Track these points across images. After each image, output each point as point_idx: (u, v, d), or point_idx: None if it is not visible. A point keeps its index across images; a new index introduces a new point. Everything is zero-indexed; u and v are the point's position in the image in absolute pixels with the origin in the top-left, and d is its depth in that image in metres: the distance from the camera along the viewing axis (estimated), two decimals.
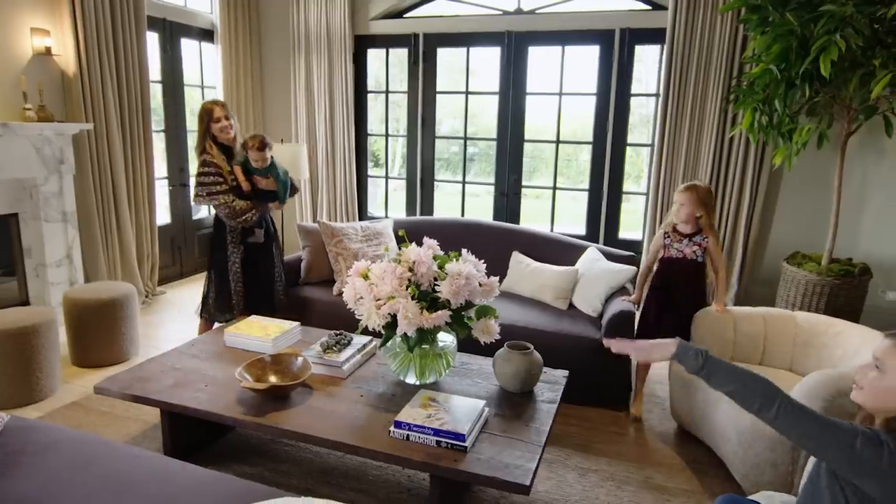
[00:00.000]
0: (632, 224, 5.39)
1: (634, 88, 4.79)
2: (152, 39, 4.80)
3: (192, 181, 3.17)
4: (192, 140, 5.37)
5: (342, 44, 5.27)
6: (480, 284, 2.33)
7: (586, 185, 5.04)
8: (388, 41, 5.37)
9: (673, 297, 2.93)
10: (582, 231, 5.09)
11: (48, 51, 3.91)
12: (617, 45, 4.65)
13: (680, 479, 2.51)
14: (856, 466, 1.17)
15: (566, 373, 2.59)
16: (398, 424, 2.01)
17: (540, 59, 4.98)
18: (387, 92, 5.58)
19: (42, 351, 2.99)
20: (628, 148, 4.90)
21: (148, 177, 4.62)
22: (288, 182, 3.26)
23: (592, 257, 3.53)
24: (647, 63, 4.94)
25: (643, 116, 5.12)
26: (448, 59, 5.34)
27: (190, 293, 4.92)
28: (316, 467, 2.50)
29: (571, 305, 3.46)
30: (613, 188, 4.93)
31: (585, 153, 5.06)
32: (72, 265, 3.99)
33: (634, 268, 3.39)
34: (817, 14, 3.05)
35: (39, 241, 3.82)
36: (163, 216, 5.09)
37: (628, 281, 3.41)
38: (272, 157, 3.17)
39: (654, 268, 3.07)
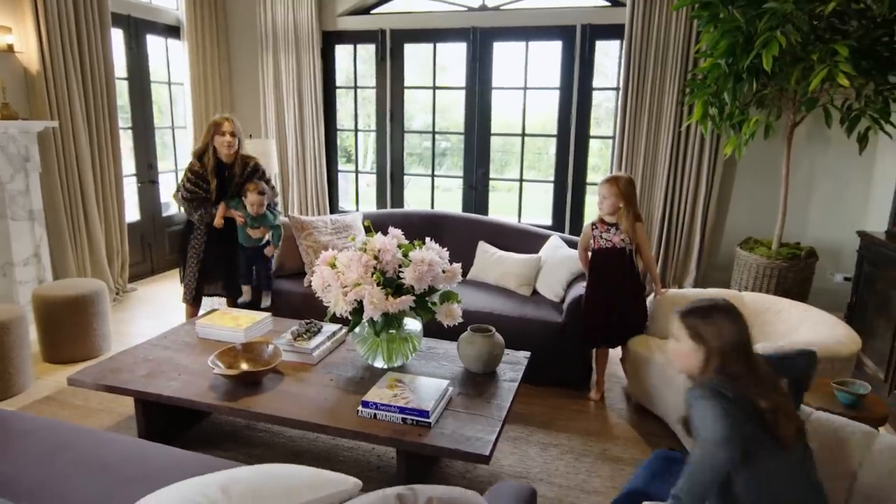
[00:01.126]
0: (593, 215, 5.56)
1: (598, 83, 4.94)
2: (117, 36, 4.78)
3: (181, 177, 3.35)
4: (160, 136, 5.37)
5: (310, 40, 5.31)
6: (444, 271, 2.44)
7: (552, 177, 5.19)
8: (355, 37, 5.43)
9: (610, 285, 2.99)
10: (549, 221, 5.24)
11: (10, 48, 3.88)
12: (578, 40, 4.80)
13: (635, 451, 2.66)
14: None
15: (528, 354, 2.73)
16: (365, 404, 2.12)
17: (505, 55, 5.11)
18: (355, 87, 5.65)
19: (13, 348, 3.01)
20: (597, 141, 5.06)
21: (116, 174, 4.61)
22: (280, 226, 3.40)
23: (555, 245, 3.67)
24: (611, 57, 5.10)
25: (608, 110, 5.28)
26: (415, 55, 5.43)
27: (162, 289, 4.93)
28: (289, 451, 2.59)
29: (535, 292, 3.60)
30: (578, 179, 5.09)
31: (552, 146, 5.21)
32: (40, 263, 3.99)
33: None
34: (761, 11, 3.23)
35: (6, 240, 3.81)
36: (132, 213, 5.09)
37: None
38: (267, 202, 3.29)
39: (589, 259, 3.16)
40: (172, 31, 5.38)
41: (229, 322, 2.82)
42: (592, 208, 5.45)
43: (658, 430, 2.83)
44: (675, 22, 4.36)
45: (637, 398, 3.02)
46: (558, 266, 3.50)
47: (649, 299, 3.12)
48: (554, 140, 5.11)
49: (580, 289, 3.23)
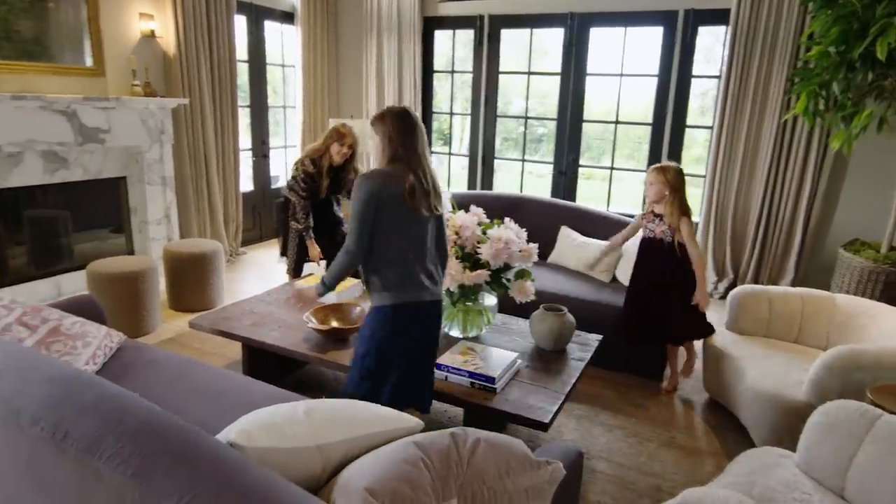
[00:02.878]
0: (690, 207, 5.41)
1: (699, 70, 4.79)
2: (240, 22, 5.26)
3: (291, 170, 3.62)
4: (272, 115, 5.85)
5: (412, 25, 5.54)
6: (520, 250, 2.57)
7: (644, 167, 5.11)
8: (455, 22, 5.59)
9: (651, 278, 2.93)
10: (639, 211, 5.16)
11: (153, 33, 4.42)
12: (680, 25, 4.66)
13: (702, 442, 2.68)
14: None
15: (599, 337, 2.80)
16: (438, 366, 2.30)
17: (602, 40, 5.06)
18: (452, 72, 5.83)
19: (146, 294, 3.50)
20: (702, 131, 4.91)
21: (234, 148, 5.11)
22: None
23: (638, 234, 3.66)
24: (711, 44, 4.91)
25: (705, 98, 5.10)
26: (512, 40, 5.51)
27: (267, 254, 5.42)
28: None
29: (615, 279, 3.63)
30: None
31: (645, 135, 5.12)
32: (169, 223, 4.55)
33: None
34: None
35: (143, 202, 4.38)
36: (246, 184, 5.61)
37: None
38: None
39: (621, 241, 3.17)
40: (287, 17, 5.80)
41: None
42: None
43: (728, 423, 2.81)
44: (787, 6, 4.13)
45: (712, 392, 3.00)
46: None
47: (731, 294, 3.05)
48: (648, 128, 5.02)
49: None
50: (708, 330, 3.00)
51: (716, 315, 4.27)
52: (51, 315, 2.09)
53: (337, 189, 3.63)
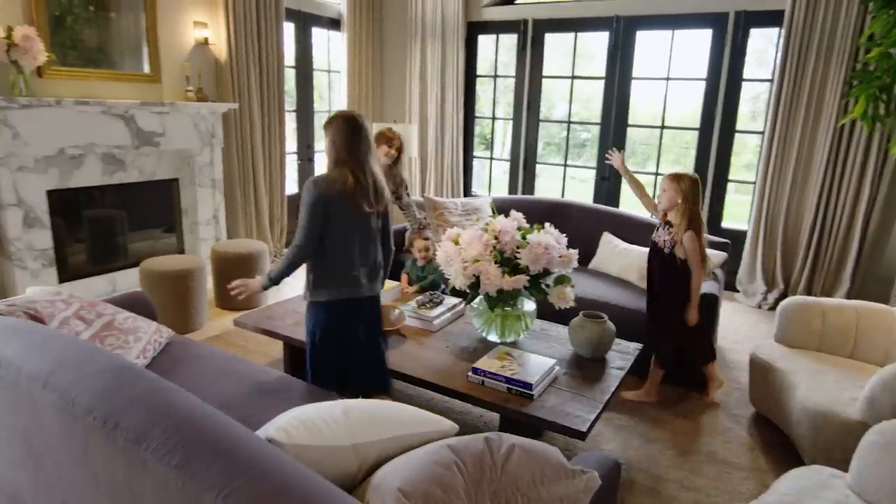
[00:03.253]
0: (738, 215, 5.26)
1: (747, 73, 4.64)
2: (288, 29, 5.39)
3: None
4: (318, 119, 5.97)
5: (455, 30, 5.57)
6: (560, 256, 2.55)
7: (691, 172, 4.97)
8: (498, 27, 5.60)
9: (650, 283, 2.88)
10: None
11: (206, 41, 4.58)
12: (731, 28, 4.54)
13: (746, 457, 2.59)
14: None
15: (640, 346, 2.75)
16: (475, 370, 2.30)
17: (647, 44, 4.97)
18: (495, 76, 5.82)
19: (194, 292, 3.63)
20: (754, 136, 4.77)
21: (280, 151, 5.25)
22: (439, 276, 3.19)
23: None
24: (763, 46, 4.76)
25: (757, 102, 4.95)
26: (556, 44, 5.47)
27: None
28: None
29: None
30: (719, 175, 4.84)
31: (693, 140, 4.99)
32: (217, 224, 4.70)
33: (725, 254, 3.41)
34: None
35: (194, 203, 4.54)
36: (291, 187, 5.74)
37: (718, 267, 3.43)
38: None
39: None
40: (334, 23, 5.92)
41: None
42: (733, 206, 5.16)
43: (775, 439, 2.71)
44: (846, 6, 3.96)
45: (758, 407, 2.90)
46: None
47: (781, 305, 2.94)
48: (696, 133, 4.90)
49: (705, 288, 3.15)
50: (703, 355, 2.90)
51: (765, 326, 4.13)
52: (105, 310, 2.19)
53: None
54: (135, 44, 4.15)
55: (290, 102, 5.58)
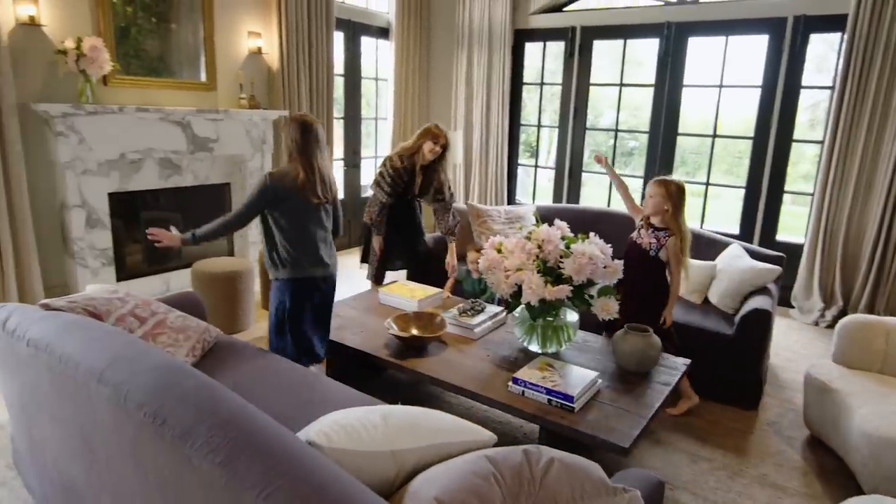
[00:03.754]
0: (794, 227, 5.06)
1: (806, 80, 4.46)
2: (338, 38, 5.51)
3: (378, 167, 3.61)
4: (365, 126, 6.06)
5: (502, 38, 5.57)
6: (605, 266, 2.50)
7: (744, 183, 4.82)
8: (545, 35, 5.56)
9: (626, 281, 2.73)
10: (735, 230, 4.88)
11: (259, 50, 4.73)
12: (789, 33, 4.38)
13: (799, 482, 2.46)
14: None
15: (687, 361, 2.66)
16: (515, 380, 2.28)
17: (699, 50, 4.85)
18: (542, 84, 5.79)
19: (242, 293, 3.73)
20: (812, 145, 4.59)
21: (328, 157, 5.34)
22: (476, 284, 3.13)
23: (734, 254, 3.46)
24: (823, 52, 4.57)
25: (816, 111, 4.75)
26: (604, 52, 5.40)
27: (354, 261, 5.58)
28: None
29: (707, 301, 3.44)
30: (774, 186, 4.66)
31: (746, 149, 4.83)
32: None
33: (779, 269, 3.27)
34: None
35: None
36: (338, 193, 5.84)
37: (772, 281, 3.30)
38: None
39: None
40: (383, 32, 6.02)
41: (406, 293, 3.19)
42: (789, 219, 4.95)
43: (833, 466, 2.57)
44: None
45: (813, 429, 2.76)
46: (736, 276, 3.30)
47: (840, 324, 2.79)
48: (750, 143, 4.74)
49: (758, 302, 3.04)
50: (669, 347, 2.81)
51: (821, 345, 3.94)
52: (158, 309, 2.28)
53: (424, 191, 3.58)
54: (193, 53, 4.32)
55: (338, 110, 5.69)
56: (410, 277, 3.84)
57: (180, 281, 4.32)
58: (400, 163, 3.47)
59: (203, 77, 4.40)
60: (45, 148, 3.66)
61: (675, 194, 2.80)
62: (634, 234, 2.95)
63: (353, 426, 1.30)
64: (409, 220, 3.70)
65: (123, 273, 4.07)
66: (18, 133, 3.42)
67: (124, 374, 1.37)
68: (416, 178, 3.50)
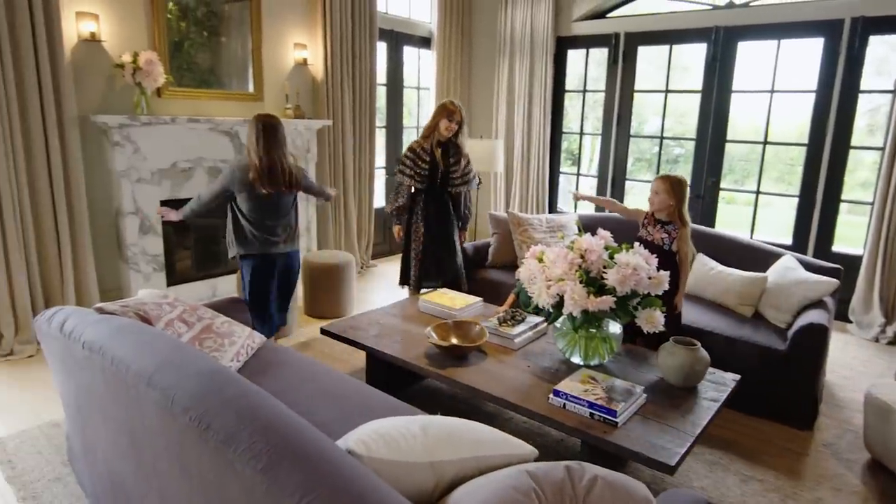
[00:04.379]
0: (852, 238, 4.82)
1: (865, 84, 4.26)
2: (381, 48, 5.58)
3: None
4: (406, 135, 6.12)
5: (544, 45, 5.54)
6: (650, 277, 2.43)
7: (797, 191, 4.63)
8: (588, 41, 5.50)
9: None
10: (788, 241, 4.69)
11: (305, 61, 4.83)
12: (846, 35, 4.19)
13: None
14: None
15: (737, 377, 2.56)
16: (557, 393, 2.24)
17: (749, 55, 4.70)
18: (584, 91, 5.72)
19: None
20: (858, 151, 4.39)
21: (370, 166, 5.42)
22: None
23: (787, 265, 3.32)
24: (884, 54, 4.36)
25: (875, 116, 4.52)
26: (648, 58, 5.30)
27: (394, 268, 5.62)
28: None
29: (758, 313, 3.31)
30: (830, 195, 4.46)
31: (799, 156, 4.65)
32: (309, 235, 4.91)
33: (836, 281, 3.12)
34: None
35: None
36: (378, 200, 5.90)
37: (828, 294, 3.15)
38: None
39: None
40: (425, 42, 6.07)
41: (446, 301, 3.18)
42: (846, 229, 4.73)
43: (895, 490, 2.42)
44: None
45: (875, 453, 2.61)
46: (789, 289, 3.17)
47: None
48: (803, 149, 4.55)
49: (813, 316, 2.90)
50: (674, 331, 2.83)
51: (882, 362, 3.73)
52: (205, 314, 2.34)
53: (449, 173, 3.64)
54: (241, 65, 4.45)
55: (380, 119, 5.75)
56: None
57: (227, 286, 4.44)
58: (418, 144, 3.64)
59: (251, 88, 4.53)
60: (102, 157, 3.83)
61: (678, 188, 2.96)
62: (642, 233, 3.09)
63: (391, 436, 1.30)
64: (439, 209, 3.71)
65: (173, 278, 4.21)
66: (79, 143, 3.59)
67: (171, 378, 1.41)
68: (437, 157, 3.60)
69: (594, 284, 2.40)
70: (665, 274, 2.47)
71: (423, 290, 3.70)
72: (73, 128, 3.53)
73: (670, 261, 2.95)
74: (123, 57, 3.69)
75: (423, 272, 3.78)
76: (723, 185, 4.99)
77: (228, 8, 4.30)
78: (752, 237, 4.73)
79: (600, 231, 2.55)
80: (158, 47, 3.92)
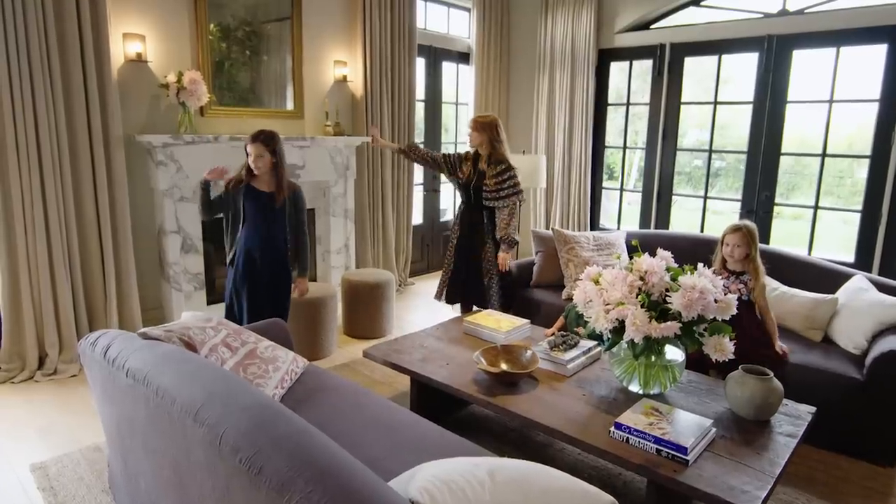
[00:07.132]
0: None
1: None
2: (420, 64, 5.54)
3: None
4: (444, 151, 6.03)
5: (585, 58, 5.41)
6: (717, 301, 2.26)
7: (859, 206, 4.37)
8: (632, 53, 5.35)
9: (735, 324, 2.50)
10: (850, 258, 4.42)
11: (344, 78, 4.81)
12: None
13: None
14: None
15: (812, 409, 2.36)
16: (619, 426, 2.08)
17: (804, 64, 4.48)
18: (627, 104, 5.56)
19: (325, 320, 3.72)
20: None
21: (409, 183, 5.35)
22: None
23: (859, 286, 3.10)
24: None
25: None
26: (694, 69, 5.12)
27: (433, 286, 5.53)
28: (537, 456, 2.68)
29: (826, 338, 3.08)
30: None
31: (858, 169, 4.40)
32: (348, 253, 4.85)
33: None
34: None
35: (327, 232, 4.73)
36: (417, 217, 5.83)
37: None
38: None
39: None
40: (463, 57, 6.01)
41: (492, 323, 3.05)
42: None
43: None
44: None
45: None
46: (862, 312, 2.94)
47: None
48: (865, 161, 4.30)
49: (893, 343, 2.67)
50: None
51: None
52: (249, 338, 2.26)
53: (479, 190, 3.60)
54: (281, 83, 4.45)
55: (418, 134, 5.70)
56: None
57: None
58: (451, 153, 3.81)
59: (291, 106, 4.52)
60: (145, 176, 3.84)
61: (753, 237, 2.89)
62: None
63: (457, 483, 1.18)
64: (472, 218, 3.67)
65: (213, 297, 4.18)
66: (124, 163, 3.60)
67: (219, 413, 1.32)
68: (464, 160, 3.70)
69: (656, 308, 2.25)
70: (732, 297, 2.30)
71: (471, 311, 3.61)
72: (118, 147, 3.55)
73: (752, 311, 2.87)
74: (168, 77, 3.71)
75: (450, 291, 3.78)
76: (777, 199, 4.75)
77: (269, 27, 4.31)
78: (809, 254, 4.47)
79: (660, 251, 2.40)
80: (202, 67, 3.94)
